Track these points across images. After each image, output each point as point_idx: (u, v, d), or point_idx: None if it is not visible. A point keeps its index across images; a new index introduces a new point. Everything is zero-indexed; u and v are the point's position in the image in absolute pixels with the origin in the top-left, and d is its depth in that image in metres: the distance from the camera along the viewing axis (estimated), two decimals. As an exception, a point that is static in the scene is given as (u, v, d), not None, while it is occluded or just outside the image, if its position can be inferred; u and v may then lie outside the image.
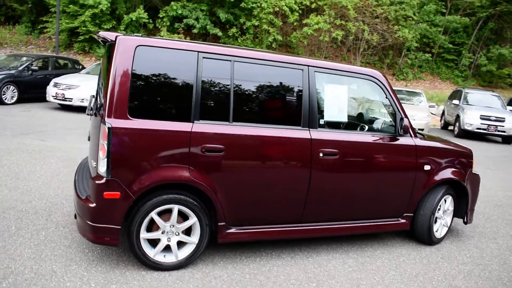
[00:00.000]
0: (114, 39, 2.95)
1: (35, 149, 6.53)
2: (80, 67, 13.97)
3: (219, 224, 3.24)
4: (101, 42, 3.73)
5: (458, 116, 13.27)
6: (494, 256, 4.09)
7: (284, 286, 3.15)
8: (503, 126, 12.43)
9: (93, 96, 3.62)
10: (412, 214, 4.02)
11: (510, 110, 13.24)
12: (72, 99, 10.86)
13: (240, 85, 3.24)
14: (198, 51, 3.12)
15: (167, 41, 3.09)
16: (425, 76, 23.64)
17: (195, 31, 18.21)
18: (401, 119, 3.75)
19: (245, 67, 3.25)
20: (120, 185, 2.90)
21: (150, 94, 3.04)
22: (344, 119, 3.66)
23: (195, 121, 3.07)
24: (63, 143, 7.19)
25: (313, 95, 3.44)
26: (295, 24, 19.45)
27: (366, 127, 3.92)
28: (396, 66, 22.92)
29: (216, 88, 3.18)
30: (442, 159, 4.04)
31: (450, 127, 14.87)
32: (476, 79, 24.11)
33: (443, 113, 15.81)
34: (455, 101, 13.85)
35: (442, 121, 15.77)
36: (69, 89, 10.91)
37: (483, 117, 12.58)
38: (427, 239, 4.10)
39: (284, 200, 3.44)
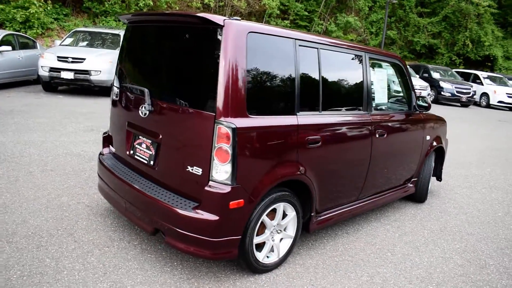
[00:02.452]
0: (222, 24, 2.51)
1: None
2: None
3: (312, 214, 3.21)
4: (124, 22, 3.15)
5: None
6: (467, 204, 5.06)
7: (371, 260, 3.35)
8: None
9: (120, 87, 3.06)
10: (416, 179, 4.63)
11: None
12: None
13: (325, 73, 3.16)
14: (295, 39, 2.91)
15: (271, 28, 2.79)
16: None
17: (53, -7, 15.51)
18: (422, 97, 4.24)
19: (326, 54, 3.18)
20: (244, 191, 2.60)
21: (262, 87, 2.73)
22: (385, 100, 3.92)
23: (297, 114, 2.91)
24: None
25: (369, 80, 3.59)
26: (165, -12, 18.39)
27: (394, 106, 4.28)
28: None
29: (309, 78, 3.04)
30: (434, 129, 4.72)
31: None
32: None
33: None
34: None
35: None
36: None
37: None
38: (424, 198, 4.81)
39: (353, 181, 3.59)
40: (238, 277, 2.92)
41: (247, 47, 2.56)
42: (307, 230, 3.27)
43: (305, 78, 2.99)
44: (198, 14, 2.55)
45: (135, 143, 3.15)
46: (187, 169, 2.67)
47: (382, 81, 3.83)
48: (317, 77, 3.07)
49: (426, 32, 28.51)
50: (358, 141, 3.50)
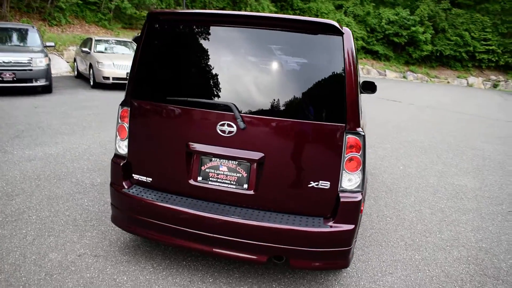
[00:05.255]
0: (342, 31, 2.43)
1: None
2: None
3: None
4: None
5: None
6: (377, 170, 6.19)
7: (388, 243, 3.62)
8: None
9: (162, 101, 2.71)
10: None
11: None
12: None
13: None
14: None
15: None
16: (72, 20, 22.65)
17: None
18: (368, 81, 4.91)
19: None
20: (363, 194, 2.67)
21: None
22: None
23: None
24: None
25: None
26: None
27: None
28: (45, 10, 20.70)
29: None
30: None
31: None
32: (118, 22, 25.47)
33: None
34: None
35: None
36: None
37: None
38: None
39: None
40: (330, 279, 2.98)
41: (357, 56, 2.56)
42: None
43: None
44: (325, 21, 2.38)
45: (204, 168, 2.68)
46: (310, 185, 2.53)
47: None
48: None
49: (212, 7, 30.26)
50: None
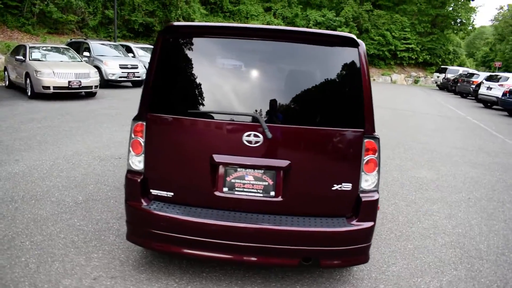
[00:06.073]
0: (358, 43, 2.62)
1: None
2: None
3: None
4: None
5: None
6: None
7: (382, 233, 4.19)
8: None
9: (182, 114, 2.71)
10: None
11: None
12: None
13: None
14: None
15: None
16: (-6, 26, 20.88)
17: None
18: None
19: None
20: None
21: None
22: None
23: None
24: None
25: None
26: None
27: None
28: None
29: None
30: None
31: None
32: (43, 26, 23.89)
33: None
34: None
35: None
36: None
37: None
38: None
39: None
40: (345, 275, 3.18)
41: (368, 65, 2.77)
42: None
43: None
44: (344, 34, 2.55)
45: (229, 179, 2.71)
46: (334, 188, 2.69)
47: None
48: None
49: (142, 11, 29.46)
50: None
